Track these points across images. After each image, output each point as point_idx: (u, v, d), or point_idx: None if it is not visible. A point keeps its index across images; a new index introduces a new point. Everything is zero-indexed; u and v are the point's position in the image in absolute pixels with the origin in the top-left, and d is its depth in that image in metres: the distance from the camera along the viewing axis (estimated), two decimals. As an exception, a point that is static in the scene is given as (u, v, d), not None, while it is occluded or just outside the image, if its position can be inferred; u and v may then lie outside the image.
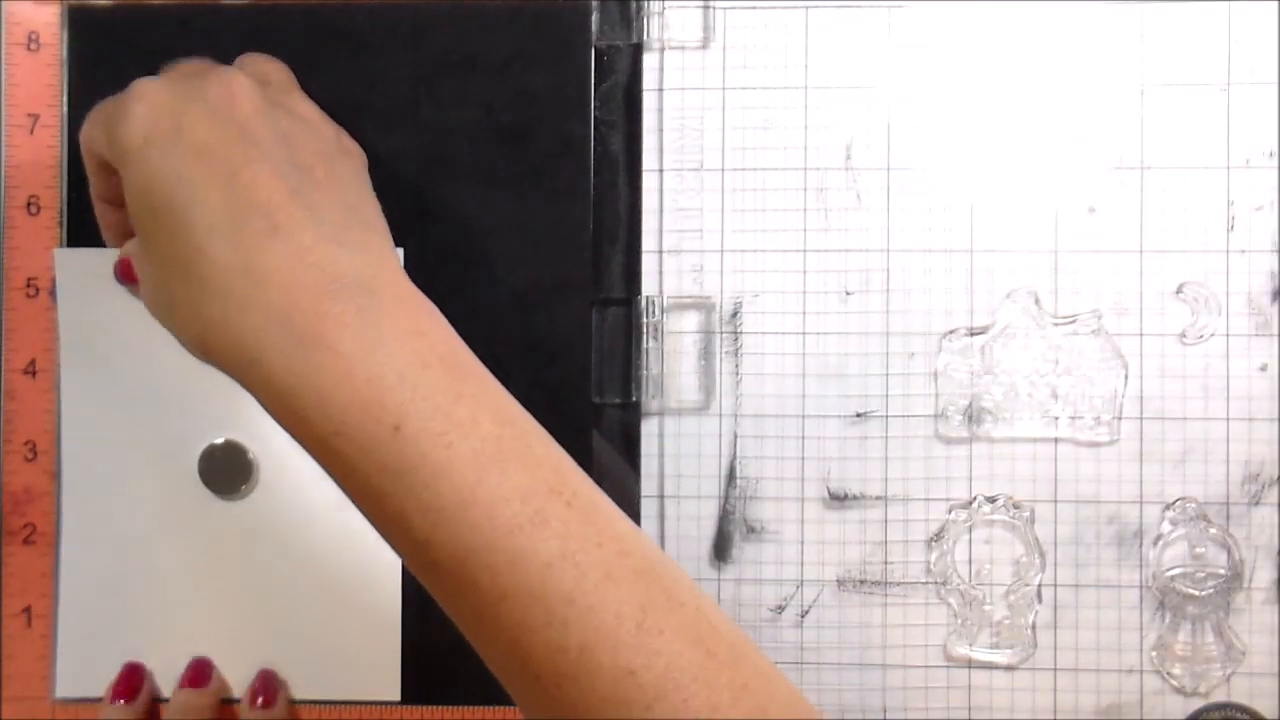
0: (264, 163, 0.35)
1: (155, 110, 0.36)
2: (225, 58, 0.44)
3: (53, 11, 0.45)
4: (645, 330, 0.44)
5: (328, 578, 0.44)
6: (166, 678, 0.44)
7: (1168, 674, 0.43)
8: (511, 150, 0.44)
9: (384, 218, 0.38)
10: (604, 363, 0.44)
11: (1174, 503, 0.43)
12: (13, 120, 0.45)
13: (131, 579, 0.44)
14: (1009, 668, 0.43)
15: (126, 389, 0.44)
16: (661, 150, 0.44)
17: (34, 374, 0.45)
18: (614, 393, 0.44)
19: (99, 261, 0.44)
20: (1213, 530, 0.43)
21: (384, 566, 0.44)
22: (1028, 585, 0.43)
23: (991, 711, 0.43)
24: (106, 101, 0.38)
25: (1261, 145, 0.43)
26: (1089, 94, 0.43)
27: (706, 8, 0.44)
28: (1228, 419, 0.43)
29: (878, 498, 0.44)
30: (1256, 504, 0.43)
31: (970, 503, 0.44)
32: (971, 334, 0.44)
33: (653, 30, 0.44)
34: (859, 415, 0.44)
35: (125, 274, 0.39)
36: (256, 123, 0.36)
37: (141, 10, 0.45)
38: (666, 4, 0.44)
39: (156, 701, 0.44)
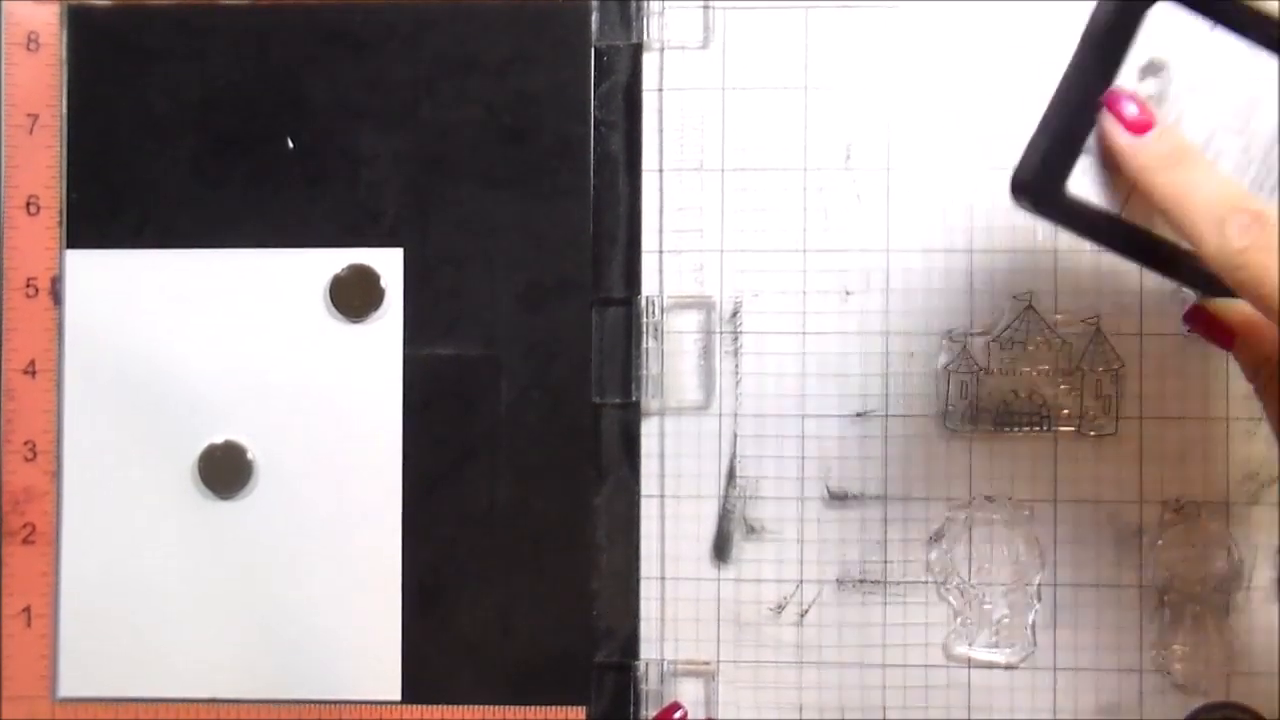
0: None
1: None
2: (225, 57, 0.44)
3: (52, 11, 0.45)
4: (645, 330, 0.44)
5: (327, 578, 0.44)
6: (166, 677, 0.44)
7: (1167, 674, 0.43)
8: (511, 150, 0.44)
9: None
10: (604, 363, 0.44)
11: (1174, 502, 0.43)
12: (12, 120, 0.45)
13: (131, 579, 0.44)
14: (1009, 667, 0.43)
15: (128, 390, 0.44)
16: (661, 150, 0.44)
17: (34, 374, 0.45)
18: (614, 393, 0.44)
19: (105, 263, 0.45)
20: (1212, 529, 0.43)
21: (384, 567, 0.44)
22: (1028, 585, 0.43)
23: (991, 711, 0.43)
24: None
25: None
26: (1089, 94, 0.43)
27: (706, 8, 0.44)
28: (1227, 419, 0.43)
29: (878, 497, 0.44)
30: (1256, 503, 0.43)
31: (970, 502, 0.44)
32: (971, 334, 0.44)
33: (653, 30, 0.44)
34: (859, 415, 0.44)
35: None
36: None
37: (141, 10, 0.45)
38: (666, 4, 0.44)
39: (156, 702, 0.44)
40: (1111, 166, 0.35)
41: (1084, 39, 0.35)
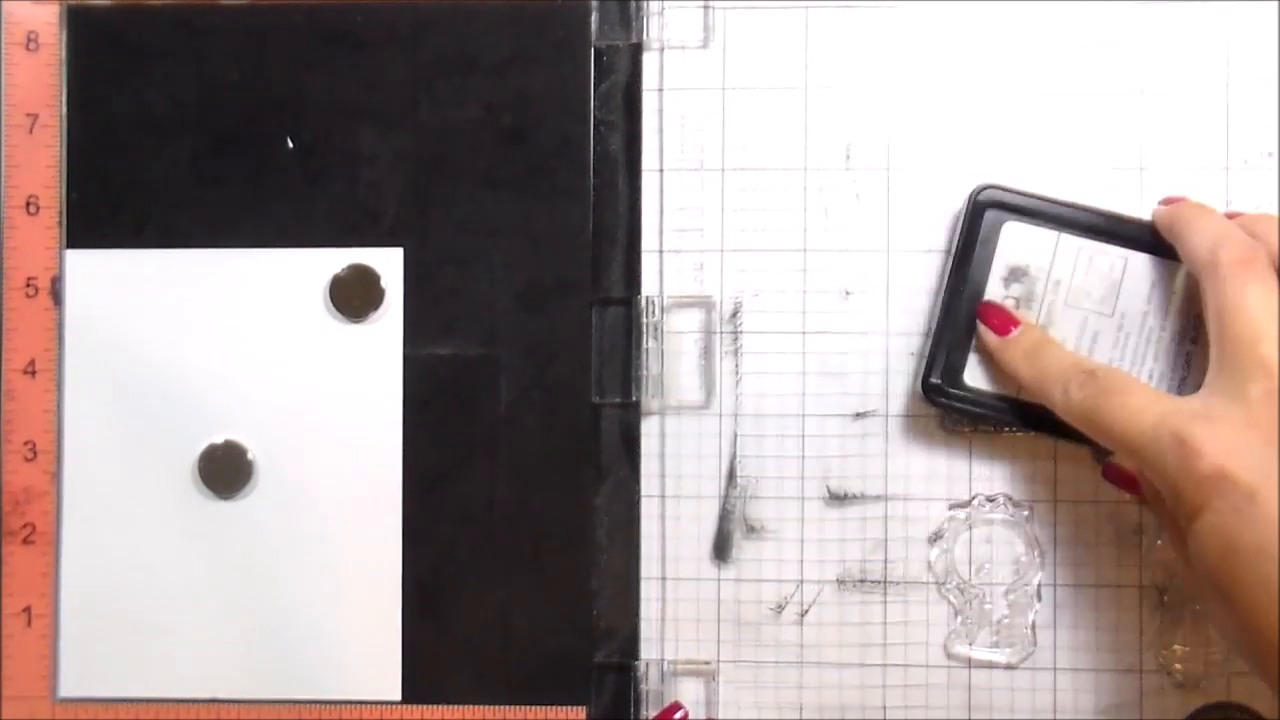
0: None
1: (1223, 444, 0.35)
2: (225, 57, 0.44)
3: (52, 11, 0.45)
4: (645, 330, 0.44)
5: (327, 578, 0.44)
6: (166, 677, 0.44)
7: (1168, 674, 0.43)
8: (511, 150, 0.44)
9: None
10: (604, 363, 0.44)
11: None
12: (12, 120, 0.45)
13: (132, 579, 0.44)
14: (1009, 667, 0.43)
15: (128, 390, 0.44)
16: (661, 150, 0.44)
17: (34, 374, 0.45)
18: (614, 393, 0.44)
19: (106, 263, 0.45)
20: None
21: (384, 567, 0.44)
22: (1028, 585, 0.43)
23: (991, 711, 0.43)
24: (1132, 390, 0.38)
25: (1261, 145, 0.43)
26: (1089, 94, 0.44)
27: (706, 8, 0.44)
28: (1227, 419, 0.43)
29: (878, 497, 0.44)
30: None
31: (970, 502, 0.44)
32: (971, 334, 0.44)
33: (653, 30, 0.44)
34: (859, 415, 0.44)
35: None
36: None
37: (141, 10, 0.45)
38: (666, 4, 0.44)
39: (156, 702, 0.44)
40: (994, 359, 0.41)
41: (951, 261, 0.42)
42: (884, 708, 0.44)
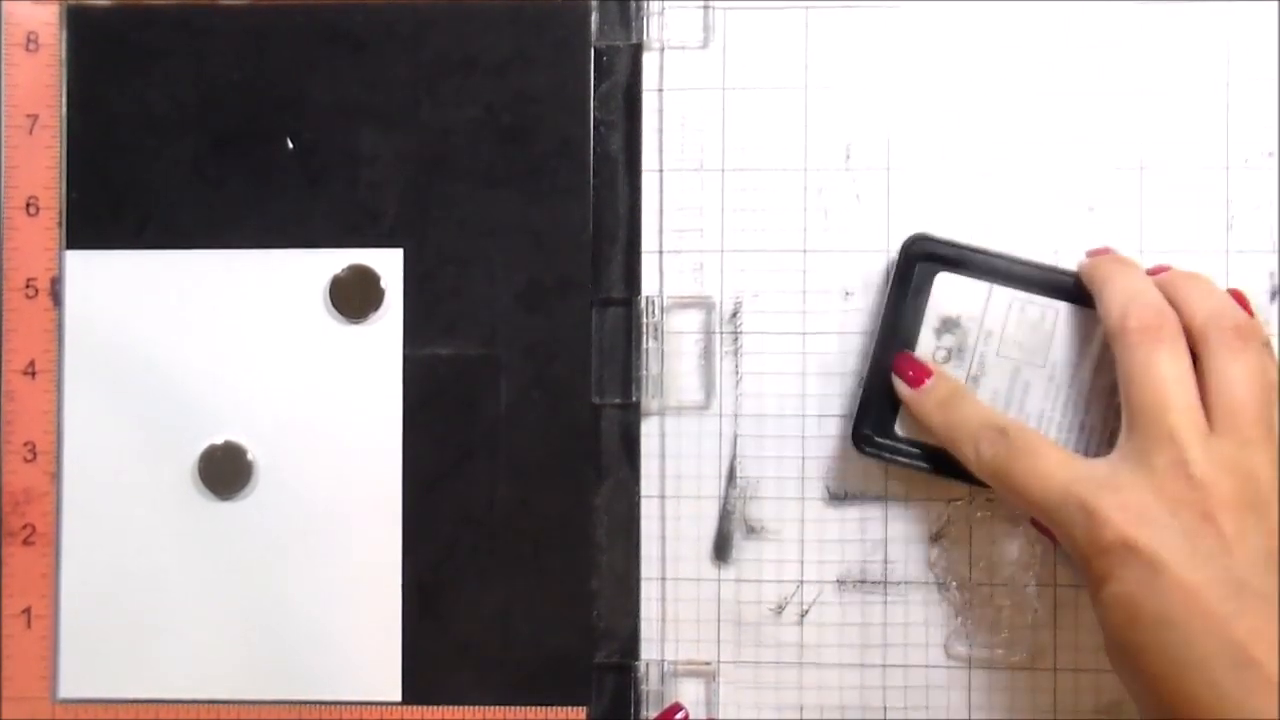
0: (1263, 613, 0.34)
1: (1129, 513, 0.35)
2: (225, 57, 0.44)
3: (52, 11, 0.45)
4: (645, 330, 0.44)
5: (327, 578, 0.44)
6: (166, 678, 0.44)
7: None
8: (511, 150, 0.44)
9: None
10: (604, 363, 0.44)
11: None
12: (12, 120, 0.45)
13: (132, 580, 0.44)
14: (1009, 667, 0.43)
15: (128, 390, 0.44)
16: (661, 150, 0.44)
17: (34, 374, 0.45)
18: (614, 393, 0.44)
19: (106, 263, 0.45)
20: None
21: (384, 567, 0.44)
22: (1028, 585, 0.43)
23: (991, 711, 0.43)
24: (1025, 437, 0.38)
25: (1261, 145, 0.43)
26: (1089, 94, 0.44)
27: (706, 8, 0.44)
28: (1227, 419, 0.43)
29: (878, 497, 0.44)
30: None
31: (970, 502, 0.44)
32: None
33: (653, 30, 0.44)
34: (859, 415, 0.44)
35: None
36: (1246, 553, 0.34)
37: (141, 10, 0.45)
38: (666, 4, 0.44)
39: (156, 703, 0.44)
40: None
41: (883, 311, 0.42)
42: (884, 708, 0.44)
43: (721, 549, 0.44)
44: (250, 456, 0.44)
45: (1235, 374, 0.36)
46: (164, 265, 0.45)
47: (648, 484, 0.44)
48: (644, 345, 0.44)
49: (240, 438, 0.44)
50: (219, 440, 0.44)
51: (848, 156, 0.44)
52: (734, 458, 0.44)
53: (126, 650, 0.44)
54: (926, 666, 0.44)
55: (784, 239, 0.44)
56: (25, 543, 0.45)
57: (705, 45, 0.44)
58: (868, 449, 0.42)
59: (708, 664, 0.44)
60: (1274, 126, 0.43)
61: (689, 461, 0.44)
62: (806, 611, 0.44)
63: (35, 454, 0.45)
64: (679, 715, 0.43)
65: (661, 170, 0.44)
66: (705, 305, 0.44)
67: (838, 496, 0.44)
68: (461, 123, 0.44)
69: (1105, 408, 0.41)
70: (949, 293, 0.41)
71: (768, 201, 0.44)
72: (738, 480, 0.44)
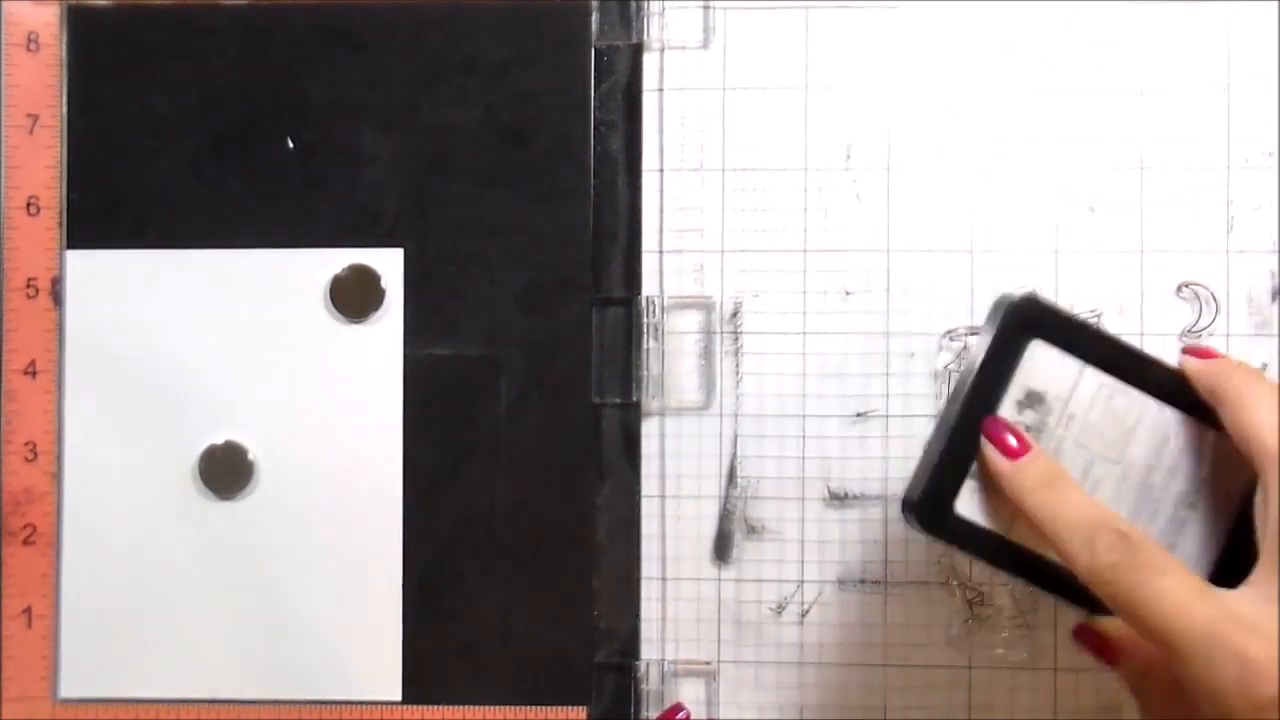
0: None
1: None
2: (225, 57, 0.44)
3: (52, 11, 0.45)
4: (645, 330, 0.44)
5: (327, 578, 0.44)
6: (166, 677, 0.44)
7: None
8: (511, 150, 0.44)
9: None
10: (604, 363, 0.44)
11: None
12: (12, 120, 0.45)
13: (132, 579, 0.44)
14: (1009, 667, 0.43)
15: (128, 390, 0.44)
16: (661, 150, 0.44)
17: (34, 374, 0.45)
18: (614, 393, 0.44)
19: (106, 263, 0.45)
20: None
21: (384, 567, 0.44)
22: (1028, 585, 0.43)
23: (991, 711, 0.43)
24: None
25: (1261, 145, 0.43)
26: (1089, 94, 0.44)
27: (706, 8, 0.44)
28: (1227, 419, 0.43)
29: (878, 497, 0.44)
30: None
31: (970, 502, 0.44)
32: (971, 333, 0.44)
33: (653, 30, 0.44)
34: (859, 415, 0.44)
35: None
36: None
37: (141, 10, 0.45)
38: (666, 4, 0.44)
39: (156, 703, 0.44)
40: (993, 489, 0.37)
41: (967, 373, 0.37)
42: (884, 708, 0.44)
43: (722, 549, 0.44)
44: (250, 456, 0.44)
45: None
46: (164, 265, 0.45)
47: (648, 484, 0.44)
48: (644, 345, 0.44)
49: (240, 438, 0.44)
50: (219, 440, 0.44)
51: (848, 156, 0.44)
52: (734, 458, 0.44)
53: (126, 650, 0.44)
54: (927, 666, 0.44)
55: (784, 239, 0.44)
56: (25, 543, 0.45)
57: (705, 45, 0.44)
58: (916, 523, 0.37)
59: (708, 664, 0.44)
60: (1274, 126, 0.43)
61: (689, 461, 0.44)
62: (807, 611, 0.44)
63: (35, 454, 0.45)
64: (680, 715, 0.43)
65: (661, 170, 0.44)
66: (705, 305, 0.44)
67: (838, 496, 0.44)
68: (461, 123, 0.44)
69: (1170, 519, 0.37)
70: (1041, 364, 0.37)
71: (768, 201, 0.44)
72: (738, 480, 0.44)
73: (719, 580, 0.44)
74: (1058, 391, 0.37)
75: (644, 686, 0.44)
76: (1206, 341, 0.43)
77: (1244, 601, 0.33)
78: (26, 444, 0.45)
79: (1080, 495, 0.36)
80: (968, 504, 0.37)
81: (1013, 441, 0.36)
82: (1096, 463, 0.37)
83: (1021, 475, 0.36)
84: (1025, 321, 0.37)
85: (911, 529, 0.37)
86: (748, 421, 0.44)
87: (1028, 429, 0.37)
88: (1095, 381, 0.37)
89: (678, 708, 0.44)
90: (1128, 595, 0.33)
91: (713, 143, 0.44)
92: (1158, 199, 0.43)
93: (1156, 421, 0.37)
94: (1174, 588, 0.33)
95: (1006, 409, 0.37)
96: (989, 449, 0.36)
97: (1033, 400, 0.37)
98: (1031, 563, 0.37)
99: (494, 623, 0.44)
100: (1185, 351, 0.38)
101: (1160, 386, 0.37)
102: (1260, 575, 0.33)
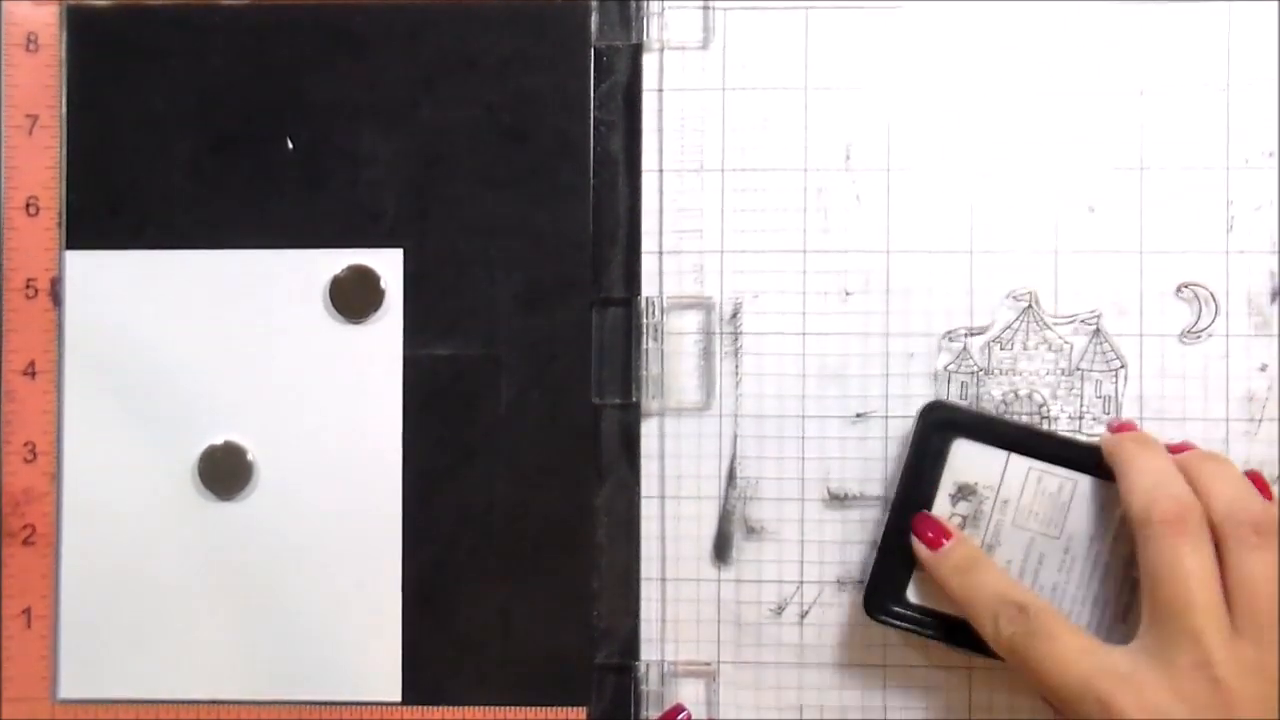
0: None
1: (1147, 714, 0.35)
2: (225, 57, 0.44)
3: (51, 12, 0.45)
4: (645, 330, 0.44)
5: (327, 578, 0.44)
6: (166, 678, 0.44)
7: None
8: (511, 150, 0.44)
9: None
10: (604, 363, 0.44)
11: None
12: (12, 121, 0.45)
13: (132, 580, 0.44)
14: (1009, 668, 0.43)
15: (128, 390, 0.44)
16: (661, 150, 0.44)
17: (33, 375, 0.45)
18: (614, 393, 0.44)
19: (105, 264, 0.45)
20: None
21: (384, 567, 0.44)
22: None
23: (991, 711, 0.43)
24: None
25: (1260, 145, 0.43)
26: (1089, 94, 0.44)
27: (706, 8, 0.44)
28: (1227, 419, 0.43)
29: (878, 498, 0.44)
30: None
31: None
32: (971, 334, 0.44)
33: (652, 30, 0.44)
34: (859, 415, 0.44)
35: None
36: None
37: (141, 10, 0.45)
38: (666, 4, 0.44)
39: (156, 703, 0.44)
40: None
41: (900, 476, 0.42)
42: (884, 708, 0.44)
43: (721, 549, 0.44)
44: (250, 456, 0.44)
45: (1256, 572, 0.36)
46: (164, 265, 0.45)
47: (648, 484, 0.44)
48: (644, 346, 0.44)
49: (240, 438, 0.44)
50: (219, 440, 0.44)
51: (848, 156, 0.44)
52: (734, 458, 0.44)
53: (126, 650, 0.44)
54: (927, 667, 0.44)
55: (784, 239, 0.44)
56: (25, 543, 0.45)
57: (705, 45, 0.44)
58: (880, 616, 0.42)
59: (708, 664, 0.44)
60: (1274, 126, 0.43)
61: (689, 462, 0.44)
62: (806, 612, 0.44)
63: (35, 454, 0.45)
64: (680, 716, 0.43)
65: (661, 170, 0.44)
66: (705, 306, 0.44)
67: (838, 497, 0.44)
68: (461, 123, 0.44)
69: (1121, 581, 0.40)
70: (966, 460, 0.41)
71: (768, 202, 0.44)
72: (738, 480, 0.44)
73: (719, 581, 0.44)
74: (987, 481, 0.41)
75: (644, 687, 0.44)
76: (1207, 341, 0.43)
77: (1121, 657, 0.36)
78: (26, 444, 0.45)
79: (994, 575, 0.40)
80: (917, 591, 0.42)
81: (930, 534, 0.41)
82: (1037, 540, 0.41)
83: (943, 561, 0.40)
84: (940, 423, 0.41)
85: (876, 623, 0.42)
86: (747, 422, 0.44)
87: (964, 519, 0.41)
88: (1023, 467, 0.41)
89: (678, 708, 0.44)
90: (1024, 660, 0.38)
91: (712, 143, 0.44)
92: (1157, 199, 0.43)
93: (1087, 494, 0.41)
94: (1062, 650, 0.37)
95: (940, 503, 0.41)
96: (915, 543, 0.41)
97: (964, 492, 0.41)
98: (978, 638, 0.39)
99: (494, 623, 0.44)
100: (1108, 427, 0.42)
101: (1082, 462, 0.41)
102: (1140, 629, 0.37)
